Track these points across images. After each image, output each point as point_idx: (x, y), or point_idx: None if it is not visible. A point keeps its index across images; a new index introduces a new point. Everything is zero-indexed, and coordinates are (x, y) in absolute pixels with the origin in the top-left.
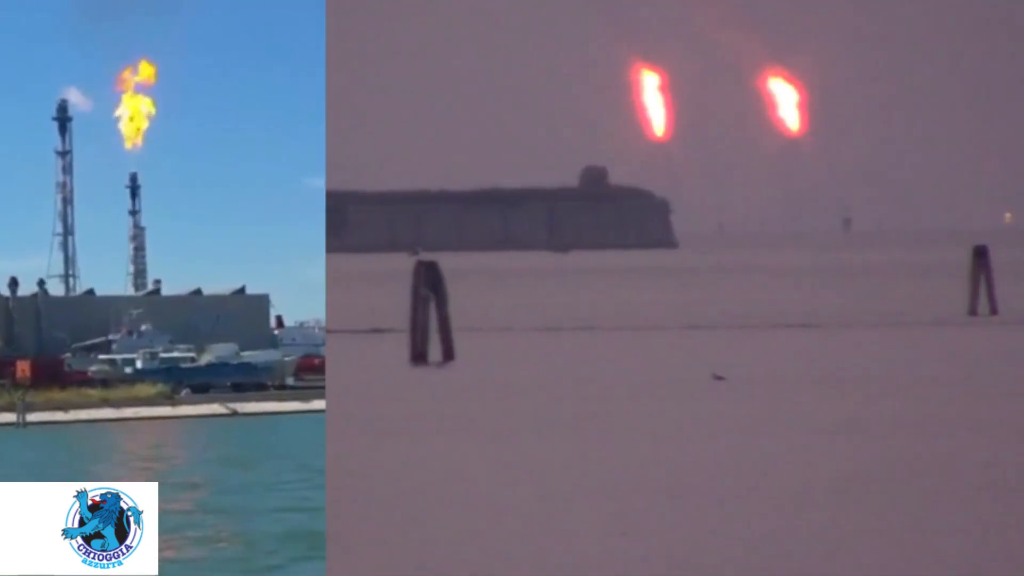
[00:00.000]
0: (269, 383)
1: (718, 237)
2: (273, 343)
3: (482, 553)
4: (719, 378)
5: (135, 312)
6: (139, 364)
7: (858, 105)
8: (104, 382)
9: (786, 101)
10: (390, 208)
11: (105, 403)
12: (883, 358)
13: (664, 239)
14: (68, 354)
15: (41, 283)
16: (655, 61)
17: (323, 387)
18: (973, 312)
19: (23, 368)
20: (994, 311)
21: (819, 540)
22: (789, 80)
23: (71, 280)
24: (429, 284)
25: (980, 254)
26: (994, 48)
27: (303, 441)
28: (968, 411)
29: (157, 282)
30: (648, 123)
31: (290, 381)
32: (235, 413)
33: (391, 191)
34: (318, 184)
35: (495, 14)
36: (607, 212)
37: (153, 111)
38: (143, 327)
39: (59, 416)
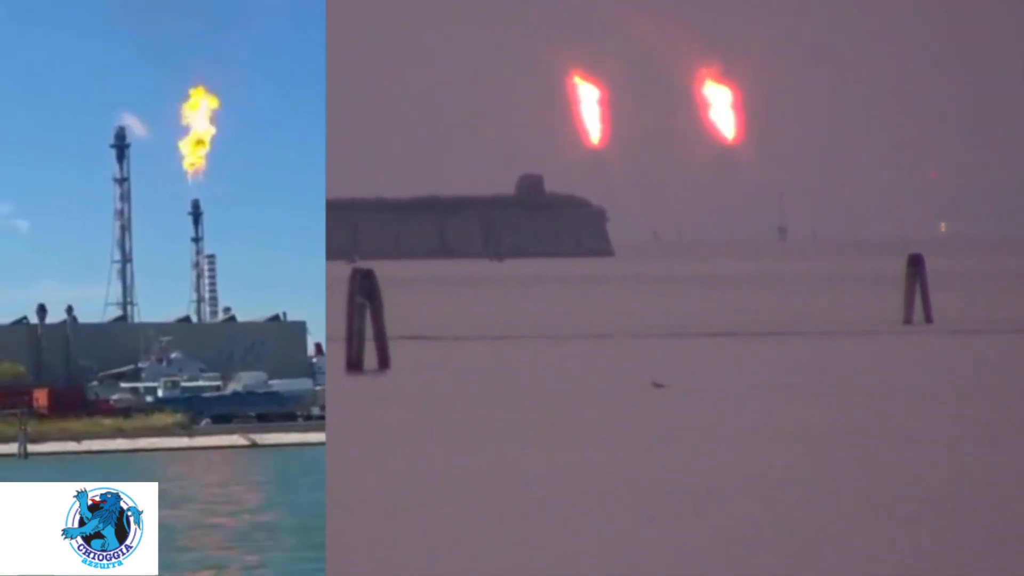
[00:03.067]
0: (297, 413)
1: (654, 245)
2: (309, 371)
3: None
4: (658, 385)
5: (164, 340)
6: (160, 392)
7: (794, 115)
8: (126, 411)
9: (722, 110)
10: (329, 216)
11: (120, 433)
12: (819, 366)
13: (600, 247)
14: (95, 382)
15: (70, 310)
16: (592, 71)
17: None
18: (908, 320)
19: (40, 397)
20: (929, 319)
21: (744, 541)
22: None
23: (129, 308)
24: (365, 292)
25: (915, 263)
26: (931, 60)
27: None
28: (903, 419)
29: (228, 310)
30: (585, 132)
31: (316, 411)
32: (254, 444)
33: (329, 199)
34: None
35: (432, 25)
36: (543, 220)
37: (213, 131)
38: (173, 355)
39: (70, 447)
